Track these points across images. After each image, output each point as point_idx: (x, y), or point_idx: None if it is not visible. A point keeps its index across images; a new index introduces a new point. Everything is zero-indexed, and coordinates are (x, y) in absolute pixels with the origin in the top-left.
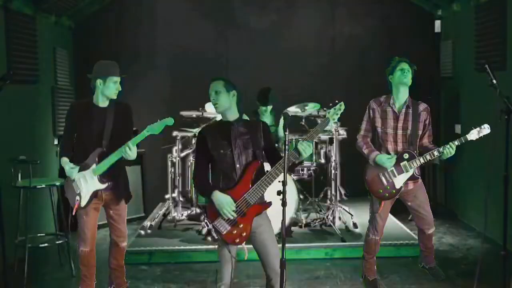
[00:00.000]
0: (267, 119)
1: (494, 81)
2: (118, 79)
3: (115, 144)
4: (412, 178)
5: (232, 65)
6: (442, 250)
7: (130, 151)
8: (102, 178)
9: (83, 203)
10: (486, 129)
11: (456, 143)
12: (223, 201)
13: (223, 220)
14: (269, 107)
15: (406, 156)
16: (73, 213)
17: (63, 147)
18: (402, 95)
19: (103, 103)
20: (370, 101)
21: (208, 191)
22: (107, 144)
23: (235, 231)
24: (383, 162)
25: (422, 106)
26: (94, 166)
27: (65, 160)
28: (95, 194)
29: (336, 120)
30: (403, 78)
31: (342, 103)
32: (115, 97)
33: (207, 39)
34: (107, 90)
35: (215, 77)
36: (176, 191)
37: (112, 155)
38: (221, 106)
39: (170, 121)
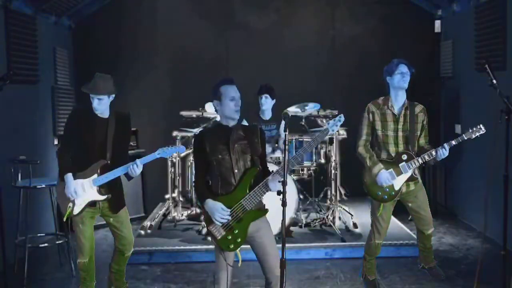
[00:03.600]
0: (268, 112)
1: (494, 81)
2: (98, 97)
3: (116, 156)
4: (411, 179)
5: (232, 65)
6: (442, 250)
7: (138, 168)
8: (102, 189)
9: (76, 211)
10: (481, 130)
11: (454, 142)
12: (214, 208)
13: (218, 225)
14: (268, 99)
15: (404, 157)
16: (64, 220)
17: (64, 161)
18: (400, 98)
19: (101, 114)
20: (369, 104)
21: (202, 199)
22: (111, 156)
23: (230, 237)
24: (382, 182)
25: (419, 107)
26: (95, 176)
27: (70, 178)
28: (91, 204)
29: (335, 132)
30: (402, 82)
31: (341, 115)
32: (103, 116)
33: (207, 39)
34: (94, 106)
35: (229, 78)
36: (176, 191)
37: (117, 170)
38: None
39: (182, 149)
